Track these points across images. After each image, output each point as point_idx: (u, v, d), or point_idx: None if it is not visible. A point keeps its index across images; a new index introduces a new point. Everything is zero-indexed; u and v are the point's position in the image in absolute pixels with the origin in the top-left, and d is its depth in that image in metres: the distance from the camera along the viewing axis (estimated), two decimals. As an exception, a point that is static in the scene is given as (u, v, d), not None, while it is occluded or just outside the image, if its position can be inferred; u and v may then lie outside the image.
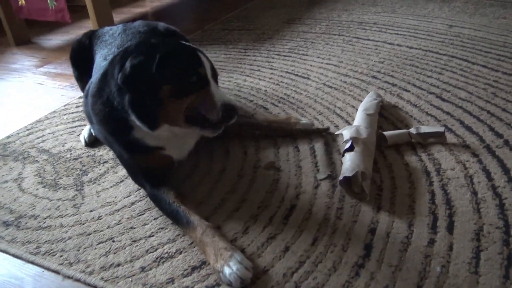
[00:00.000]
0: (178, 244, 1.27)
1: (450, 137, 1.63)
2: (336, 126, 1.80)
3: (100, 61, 1.80)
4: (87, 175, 1.65)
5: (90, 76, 1.77)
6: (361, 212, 1.32)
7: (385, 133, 1.61)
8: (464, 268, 1.09)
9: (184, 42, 1.50)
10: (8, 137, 1.99)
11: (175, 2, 4.37)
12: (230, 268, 1.10)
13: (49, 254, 1.28)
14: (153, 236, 1.31)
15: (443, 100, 1.91)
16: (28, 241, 1.34)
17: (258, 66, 2.51)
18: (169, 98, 1.29)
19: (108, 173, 1.64)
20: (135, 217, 1.40)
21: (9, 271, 1.26)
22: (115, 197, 1.50)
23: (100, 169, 1.66)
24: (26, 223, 1.42)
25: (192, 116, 1.34)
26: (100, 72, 1.49)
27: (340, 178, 1.39)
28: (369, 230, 1.24)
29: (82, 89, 1.91)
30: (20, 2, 3.08)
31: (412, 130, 1.62)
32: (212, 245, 1.17)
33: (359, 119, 1.69)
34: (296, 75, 2.33)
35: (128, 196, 1.49)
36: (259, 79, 2.33)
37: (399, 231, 1.23)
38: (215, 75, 1.40)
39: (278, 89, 2.19)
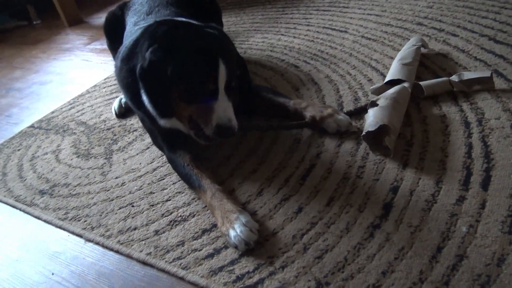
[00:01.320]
0: (192, 207, 1.26)
1: (499, 83, 1.42)
2: (370, 80, 1.65)
3: (130, 27, 1.81)
4: (116, 144, 1.69)
5: (121, 44, 1.78)
6: (385, 169, 1.20)
7: (422, 83, 1.45)
8: (496, 228, 0.95)
9: (210, 35, 1.30)
10: (52, 112, 2.10)
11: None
12: (235, 231, 1.06)
13: (75, 220, 1.34)
14: (169, 200, 1.31)
15: (497, 42, 1.67)
16: (58, 208, 1.41)
17: (294, 24, 2.38)
18: (178, 99, 1.26)
19: (136, 141, 1.66)
20: (155, 183, 1.41)
21: (38, 236, 1.34)
22: (140, 163, 1.53)
23: (129, 138, 1.69)
24: (58, 191, 1.49)
25: (193, 119, 1.29)
26: (131, 38, 1.49)
27: (363, 133, 1.27)
28: (390, 188, 1.13)
29: (114, 57, 1.94)
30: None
31: (454, 78, 1.44)
32: (220, 208, 1.14)
33: (393, 70, 1.54)
34: (334, 29, 2.18)
35: (151, 163, 1.51)
36: (294, 37, 2.21)
37: (424, 188, 1.11)
38: (229, 82, 1.26)
39: (312, 46, 2.06)
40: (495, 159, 1.13)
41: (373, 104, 1.33)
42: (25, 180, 1.61)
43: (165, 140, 1.41)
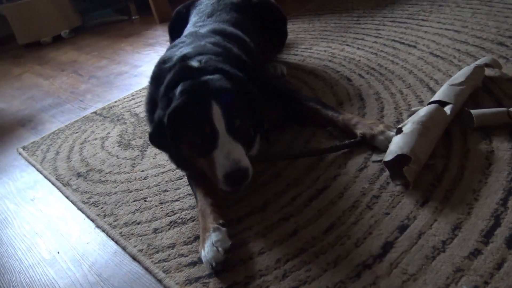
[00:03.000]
0: (195, 211, 1.24)
1: None
2: (421, 102, 1.49)
3: (190, 26, 1.86)
4: (155, 138, 1.74)
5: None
6: (400, 204, 1.07)
7: (473, 111, 1.26)
8: (506, 296, 0.78)
9: (204, 82, 1.20)
10: (115, 101, 2.24)
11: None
12: (204, 250, 1.02)
13: (94, 205, 1.40)
14: (178, 200, 1.31)
15: None
16: (85, 191, 1.49)
17: (363, 34, 2.25)
18: (188, 153, 1.21)
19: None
20: (173, 181, 1.42)
21: (62, 215, 1.43)
22: (166, 160, 1.55)
23: (167, 134, 1.73)
24: (91, 176, 1.58)
25: None
26: (179, 41, 1.53)
27: (381, 157, 1.15)
28: (398, 226, 1.00)
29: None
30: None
31: (516, 109, 1.23)
32: (201, 223, 1.12)
33: (439, 92, 1.37)
34: (402, 43, 2.01)
35: (177, 161, 1.52)
36: (358, 48, 2.09)
37: (437, 233, 0.96)
38: (232, 123, 1.14)
39: (373, 59, 1.92)
40: (536, 212, 0.94)
41: (399, 131, 1.19)
42: (70, 161, 1.73)
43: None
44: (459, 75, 1.41)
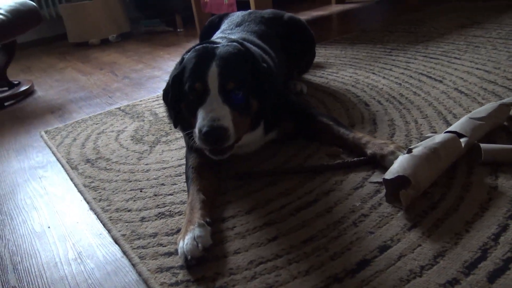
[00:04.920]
0: (184, 206, 1.24)
1: None
2: (434, 133, 1.44)
3: (218, 33, 1.92)
4: (167, 136, 1.77)
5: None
6: (387, 225, 1.03)
7: (483, 145, 1.21)
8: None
9: (215, 47, 1.28)
10: (140, 100, 2.31)
11: (358, 6, 4.26)
12: (183, 242, 1.01)
13: (93, 189, 1.43)
14: (172, 195, 1.32)
15: None
16: (89, 176, 1.53)
17: (392, 65, 2.23)
18: (186, 112, 1.28)
19: (182, 138, 1.72)
20: (172, 176, 1.43)
21: (63, 194, 1.47)
22: (171, 157, 1.57)
23: (179, 134, 1.76)
24: (99, 163, 1.62)
25: None
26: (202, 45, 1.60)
27: (379, 179, 1.11)
28: (380, 246, 0.96)
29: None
30: (205, -1, 3.55)
31: (528, 149, 1.17)
32: (187, 216, 1.11)
33: (457, 123, 1.32)
34: (429, 77, 1.98)
35: (181, 159, 1.54)
36: (383, 78, 2.07)
37: (417, 258, 0.91)
38: (224, 85, 1.18)
39: (396, 88, 1.89)
40: (527, 251, 0.88)
41: (409, 151, 1.16)
42: (83, 148, 1.79)
43: (189, 139, 1.42)
44: (481, 110, 1.36)
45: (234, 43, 1.34)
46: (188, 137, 1.31)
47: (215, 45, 1.31)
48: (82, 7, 4.31)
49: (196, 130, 1.15)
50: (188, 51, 1.36)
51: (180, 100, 1.29)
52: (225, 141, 1.14)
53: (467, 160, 1.22)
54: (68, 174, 1.59)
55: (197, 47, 1.33)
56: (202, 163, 1.31)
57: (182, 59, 1.37)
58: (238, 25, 1.96)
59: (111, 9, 4.40)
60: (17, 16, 2.69)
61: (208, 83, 1.18)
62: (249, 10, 2.20)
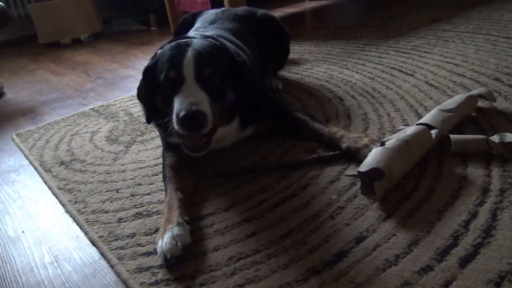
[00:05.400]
0: (162, 205, 1.24)
1: (552, 155, 1.16)
2: (407, 125, 1.48)
3: (192, 31, 1.91)
4: (142, 136, 1.76)
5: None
6: (363, 217, 1.05)
7: (453, 136, 1.25)
8: (447, 313, 0.75)
9: (190, 39, 1.31)
10: (114, 100, 2.28)
11: (331, 3, 4.31)
12: (162, 241, 1.01)
13: (68, 192, 1.41)
14: (149, 194, 1.32)
15: None
16: (64, 179, 1.51)
17: (365, 60, 2.27)
18: (159, 103, 1.28)
19: (159, 137, 1.71)
20: (149, 176, 1.42)
21: (37, 198, 1.44)
22: (148, 157, 1.56)
23: (155, 133, 1.75)
24: (73, 165, 1.60)
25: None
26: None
27: (355, 172, 1.14)
28: (356, 237, 0.98)
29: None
30: (178, -3, 3.52)
31: (495, 138, 1.21)
32: (166, 215, 1.11)
33: (427, 115, 1.36)
34: (401, 71, 2.02)
35: (157, 158, 1.53)
36: (356, 72, 2.10)
37: (392, 247, 0.93)
38: (200, 71, 1.19)
39: (369, 83, 1.93)
40: (496, 236, 0.91)
41: (382, 144, 1.18)
42: (57, 150, 1.75)
43: (165, 139, 1.42)
44: (451, 102, 1.40)
45: (209, 39, 1.35)
46: (163, 129, 1.31)
47: (189, 40, 1.30)
48: (52, 7, 4.21)
49: (174, 116, 1.14)
50: (161, 48, 1.35)
51: (154, 94, 1.28)
52: (203, 127, 1.14)
53: (438, 151, 1.26)
54: (41, 177, 1.56)
55: (169, 42, 1.33)
56: (179, 162, 1.31)
57: (155, 54, 1.37)
58: (212, 22, 1.95)
59: (83, 8, 4.32)
60: (-17, 16, 2.61)
61: (184, 71, 1.18)
62: (223, 8, 2.20)
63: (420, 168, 1.20)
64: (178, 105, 1.14)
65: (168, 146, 1.39)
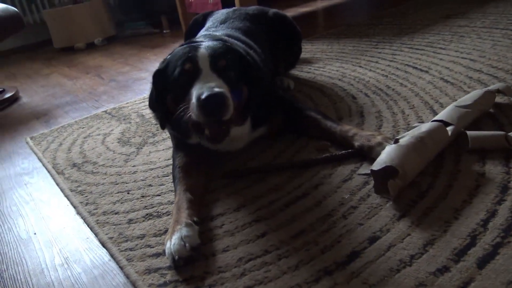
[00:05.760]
0: (172, 207, 1.22)
1: None
2: (421, 123, 1.44)
3: (203, 31, 1.91)
4: (154, 137, 1.75)
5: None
6: (376, 216, 1.02)
7: (470, 132, 1.21)
8: (465, 316, 0.72)
9: (200, 41, 1.31)
10: (127, 102, 2.29)
11: (343, 2, 4.26)
12: (170, 242, 0.99)
13: (80, 193, 1.41)
14: (159, 195, 1.31)
15: None
16: (75, 180, 1.51)
17: (378, 58, 2.23)
18: (173, 103, 1.25)
19: (169, 138, 1.70)
20: (159, 177, 1.42)
21: (49, 199, 1.44)
22: (159, 158, 1.56)
23: (166, 135, 1.74)
24: (85, 167, 1.60)
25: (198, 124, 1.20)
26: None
27: (368, 171, 1.11)
28: (369, 237, 0.95)
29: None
30: (190, -1, 3.52)
31: (514, 134, 1.17)
32: (174, 216, 1.09)
33: (443, 111, 1.32)
34: (415, 68, 1.97)
35: (168, 159, 1.52)
36: (370, 70, 2.06)
37: (407, 247, 0.90)
38: (215, 62, 1.19)
39: (382, 80, 1.89)
40: (516, 235, 0.87)
41: (396, 141, 1.15)
42: (70, 153, 1.76)
43: (177, 139, 1.41)
44: (467, 98, 1.36)
45: (219, 41, 1.33)
46: (179, 131, 1.31)
47: (199, 42, 1.29)
48: (66, 12, 4.26)
49: (194, 101, 1.11)
50: (171, 53, 1.35)
51: (164, 96, 1.27)
52: (225, 110, 1.11)
53: (455, 148, 1.22)
54: (54, 179, 1.56)
55: (179, 46, 1.32)
56: (189, 162, 1.30)
57: (165, 59, 1.36)
58: (223, 22, 1.94)
59: (96, 12, 4.36)
60: (-2, 22, 2.65)
61: (199, 63, 1.18)
62: (234, 8, 2.19)
63: (436, 165, 1.16)
64: (197, 90, 1.12)
65: (178, 147, 1.38)
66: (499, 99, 1.45)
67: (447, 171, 1.13)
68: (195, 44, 1.28)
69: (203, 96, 1.08)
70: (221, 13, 2.06)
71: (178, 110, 1.20)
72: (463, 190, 1.05)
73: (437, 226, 0.94)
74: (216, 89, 1.10)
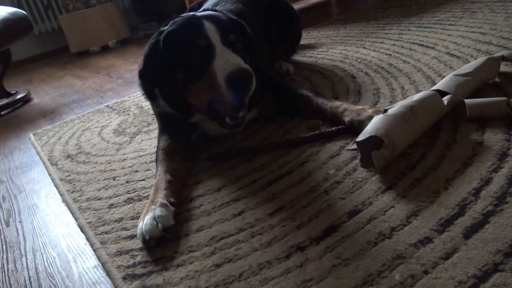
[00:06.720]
0: (154, 189, 1.18)
1: None
2: (421, 96, 1.35)
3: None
4: (148, 127, 1.72)
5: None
6: (360, 190, 0.94)
7: (468, 101, 1.11)
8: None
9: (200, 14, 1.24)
10: (129, 97, 2.28)
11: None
12: (142, 222, 0.95)
13: (68, 182, 1.39)
14: (144, 180, 1.27)
15: None
16: (67, 170, 1.49)
17: (384, 38, 2.13)
18: (183, 84, 1.19)
19: (164, 126, 1.67)
20: (147, 163, 1.38)
21: (40, 189, 1.43)
22: (150, 146, 1.52)
23: (161, 122, 1.71)
24: (78, 158, 1.58)
25: (209, 104, 1.17)
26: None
27: (354, 141, 1.03)
28: (350, 211, 0.88)
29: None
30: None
31: (517, 99, 1.07)
32: (151, 197, 1.05)
33: (441, 81, 1.23)
34: (421, 45, 1.87)
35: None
36: (373, 50, 1.97)
37: (389, 219, 0.82)
38: (227, 36, 1.16)
39: (385, 59, 1.80)
40: (511, 202, 0.78)
41: (385, 111, 1.07)
42: (67, 145, 1.75)
43: (161, 121, 1.37)
44: (467, 66, 1.27)
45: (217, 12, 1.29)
46: (178, 110, 1.27)
47: (195, 14, 1.24)
48: (80, 16, 4.33)
49: (220, 79, 1.08)
50: (166, 25, 1.28)
51: (171, 71, 1.19)
52: (251, 86, 1.10)
53: (453, 118, 1.13)
54: (47, 170, 1.55)
55: (175, 18, 1.26)
56: (172, 145, 1.26)
57: (159, 32, 1.31)
58: (215, 5, 1.89)
59: (110, 16, 4.42)
60: (8, 25, 2.70)
61: (211, 38, 1.13)
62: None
63: (431, 136, 1.07)
64: (222, 70, 1.08)
65: (165, 129, 1.34)
66: (505, 67, 1.34)
67: (442, 141, 1.04)
68: (194, 15, 1.21)
69: (233, 73, 1.07)
70: None
71: (190, 89, 1.17)
72: (457, 160, 0.96)
73: (424, 197, 0.86)
74: (242, 65, 1.09)
